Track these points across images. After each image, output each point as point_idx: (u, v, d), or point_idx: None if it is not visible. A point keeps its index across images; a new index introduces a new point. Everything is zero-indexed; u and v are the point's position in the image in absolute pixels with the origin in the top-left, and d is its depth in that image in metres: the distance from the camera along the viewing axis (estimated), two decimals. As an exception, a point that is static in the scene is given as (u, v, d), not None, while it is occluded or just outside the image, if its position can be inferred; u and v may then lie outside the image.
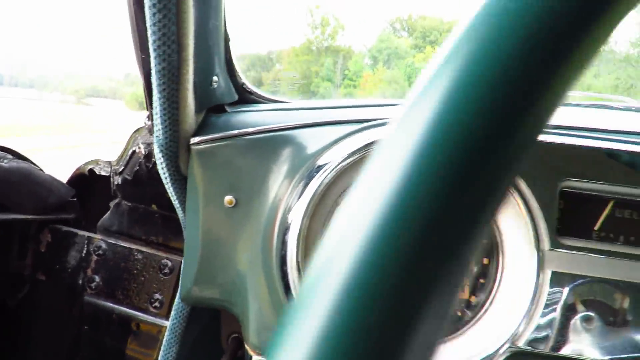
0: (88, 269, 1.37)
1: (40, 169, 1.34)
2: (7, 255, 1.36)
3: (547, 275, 0.85)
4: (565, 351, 0.86)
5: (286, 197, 0.93)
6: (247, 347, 1.01)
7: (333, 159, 0.90)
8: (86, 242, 1.37)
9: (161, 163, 0.99)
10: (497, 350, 0.85)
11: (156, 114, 0.90)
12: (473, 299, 0.92)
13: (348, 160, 0.89)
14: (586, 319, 0.86)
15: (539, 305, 0.85)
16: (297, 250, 0.88)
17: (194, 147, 0.97)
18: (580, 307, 0.85)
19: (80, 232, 1.38)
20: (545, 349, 0.86)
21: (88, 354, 1.41)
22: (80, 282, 1.38)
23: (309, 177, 0.90)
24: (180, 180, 1.04)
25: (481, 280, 0.92)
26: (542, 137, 0.73)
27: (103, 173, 1.34)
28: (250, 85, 1.13)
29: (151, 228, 1.33)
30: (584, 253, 0.87)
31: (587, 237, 0.90)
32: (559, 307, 0.85)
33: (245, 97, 1.13)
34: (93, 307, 1.39)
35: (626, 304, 0.86)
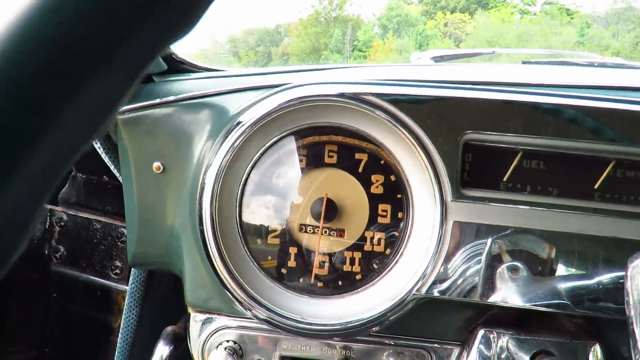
0: (52, 240, 1.44)
1: None
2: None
3: (450, 225, 0.88)
4: (468, 296, 0.89)
5: (207, 160, 0.96)
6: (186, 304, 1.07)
7: (247, 118, 0.92)
8: (48, 214, 1.44)
9: (91, 133, 1.03)
10: (402, 298, 0.89)
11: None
12: (388, 252, 0.95)
13: (261, 117, 0.91)
14: (494, 267, 0.89)
15: (441, 255, 0.88)
16: (211, 210, 0.92)
17: (118, 117, 1.00)
18: (484, 255, 0.88)
19: (43, 205, 1.44)
20: (449, 295, 0.89)
21: (58, 320, 1.50)
22: (46, 252, 1.45)
23: (225, 136, 0.93)
24: (114, 149, 1.08)
25: (395, 234, 0.95)
26: (443, 92, 0.76)
27: (57, 147, 1.39)
28: (180, 55, 1.15)
29: (106, 199, 1.38)
30: (491, 203, 0.89)
31: (494, 188, 0.92)
32: (460, 255, 0.88)
33: (176, 67, 1.15)
34: (60, 276, 1.46)
35: (527, 249, 0.88)
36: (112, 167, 1.12)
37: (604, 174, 0.90)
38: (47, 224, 1.44)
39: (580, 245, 0.87)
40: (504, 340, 0.94)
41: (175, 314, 1.39)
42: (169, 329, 1.23)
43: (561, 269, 0.89)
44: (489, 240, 0.88)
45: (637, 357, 0.62)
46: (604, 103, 0.88)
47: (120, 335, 1.33)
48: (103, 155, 1.08)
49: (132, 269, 1.31)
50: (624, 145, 0.88)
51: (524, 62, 1.65)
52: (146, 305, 1.37)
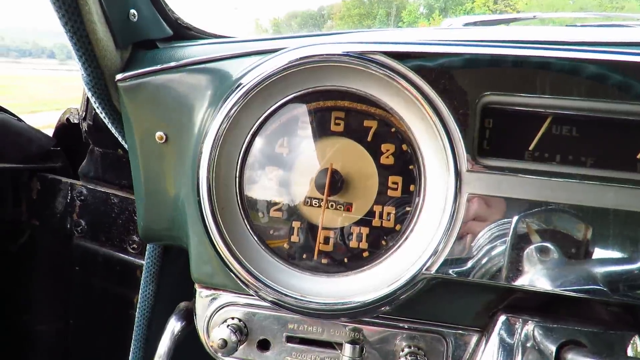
0: (74, 214, 1.46)
1: (19, 119, 1.41)
2: (3, 203, 1.47)
3: (464, 198, 0.79)
4: (486, 278, 0.80)
5: (207, 127, 0.91)
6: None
7: (247, 80, 0.86)
8: (69, 188, 1.45)
9: (94, 102, 1.01)
10: (411, 278, 0.81)
11: (73, 51, 0.90)
12: (398, 227, 0.87)
13: (261, 80, 0.85)
14: (517, 246, 0.79)
15: (454, 231, 0.79)
16: (208, 180, 0.87)
17: (120, 84, 0.97)
18: (505, 232, 0.79)
19: (64, 179, 1.45)
20: (464, 276, 0.81)
21: (80, 293, 1.52)
22: (68, 226, 1.47)
23: (224, 101, 0.87)
24: (120, 120, 1.05)
25: (407, 208, 0.87)
26: (458, 49, 0.66)
27: (75, 121, 1.39)
28: (186, 21, 1.10)
29: (121, 172, 1.37)
30: (513, 174, 0.79)
31: (518, 158, 0.81)
32: (477, 232, 0.79)
33: (183, 33, 1.10)
34: (82, 250, 1.48)
35: (556, 227, 0.78)
36: (119, 138, 1.09)
37: None
38: (69, 198, 1.45)
39: (618, 222, 0.76)
40: (527, 328, 0.85)
41: (192, 290, 1.38)
42: (182, 304, 1.22)
43: (596, 250, 0.79)
44: (512, 216, 0.79)
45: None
46: (651, 58, 0.75)
47: (137, 310, 1.33)
48: (109, 125, 1.05)
49: (147, 244, 1.30)
50: None
51: (567, 26, 1.50)
52: (163, 281, 1.36)
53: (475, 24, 1.57)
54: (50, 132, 1.55)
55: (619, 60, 0.75)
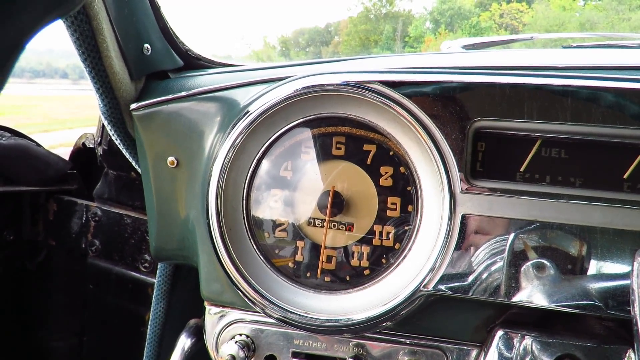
0: (89, 234, 1.52)
1: (38, 144, 1.48)
2: (21, 223, 1.54)
3: (458, 218, 0.83)
4: (482, 295, 0.84)
5: (215, 152, 0.97)
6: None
7: (253, 109, 0.92)
8: (85, 209, 1.51)
9: (110, 129, 1.07)
10: (410, 294, 0.85)
11: (91, 83, 0.97)
12: (397, 246, 0.92)
13: (265, 109, 0.91)
14: (512, 264, 0.83)
15: (449, 250, 0.83)
16: (217, 203, 0.92)
17: (134, 113, 1.03)
18: (499, 250, 0.83)
19: (80, 201, 1.52)
20: (461, 292, 0.84)
21: (93, 310, 1.57)
22: (83, 245, 1.53)
23: (231, 129, 0.93)
24: (133, 145, 1.11)
25: (406, 227, 0.91)
26: (450, 78, 0.72)
27: (91, 145, 1.46)
28: (196, 51, 1.17)
29: (134, 194, 1.43)
30: (505, 195, 0.83)
31: (510, 179, 0.86)
32: (472, 250, 0.83)
33: (192, 63, 1.17)
34: (95, 269, 1.54)
35: (548, 245, 0.82)
36: (132, 162, 1.15)
37: (635, 163, 0.81)
38: (84, 219, 1.51)
39: (606, 240, 0.80)
40: (525, 342, 0.88)
41: (202, 307, 1.42)
42: (192, 321, 1.26)
43: (589, 267, 0.82)
44: (506, 235, 0.83)
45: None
46: (635, 84, 0.79)
47: (149, 327, 1.38)
48: (123, 151, 1.12)
49: (159, 262, 1.35)
50: None
51: (564, 47, 1.55)
52: (174, 298, 1.40)
53: (473, 45, 1.63)
54: (63, 150, 1.62)
55: (604, 86, 0.80)
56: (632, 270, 0.62)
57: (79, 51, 0.90)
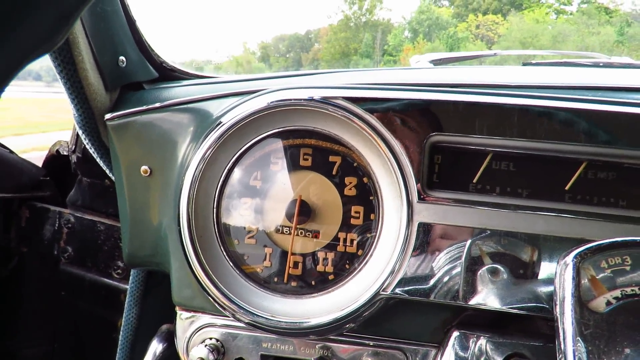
0: (61, 241, 1.52)
1: (11, 151, 1.49)
2: (-7, 230, 1.53)
3: (415, 226, 0.89)
4: (437, 298, 0.90)
5: (188, 162, 1.00)
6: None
7: (224, 121, 0.96)
8: (58, 216, 1.52)
9: (84, 138, 1.10)
10: (370, 297, 0.91)
11: (66, 93, 1.00)
12: (360, 252, 0.97)
13: (234, 123, 0.95)
14: (465, 268, 0.89)
15: (407, 256, 0.89)
16: (188, 211, 0.96)
17: (108, 123, 1.06)
18: (448, 255, 0.89)
19: (52, 208, 1.52)
20: (417, 295, 0.90)
21: (66, 317, 1.58)
22: (55, 252, 1.53)
23: (203, 140, 0.97)
24: (107, 154, 1.14)
25: (368, 235, 0.97)
26: (409, 95, 0.78)
27: (65, 153, 1.47)
28: (171, 63, 1.21)
29: (108, 201, 1.45)
30: (458, 205, 0.90)
31: (464, 190, 0.92)
32: (428, 256, 0.89)
33: (167, 75, 1.21)
34: (68, 275, 1.55)
35: (499, 251, 0.88)
36: (106, 171, 1.18)
37: (575, 175, 0.89)
38: (57, 225, 1.52)
39: (549, 247, 0.86)
40: (479, 342, 0.94)
41: (174, 313, 1.44)
42: (164, 327, 1.28)
43: (537, 272, 0.89)
44: (460, 242, 0.89)
45: (560, 357, 0.62)
46: (574, 103, 0.87)
47: (121, 333, 1.39)
48: (97, 159, 1.14)
49: (131, 269, 1.37)
50: (597, 146, 0.86)
51: (524, 64, 1.64)
52: (147, 305, 1.42)
53: (440, 61, 1.71)
54: (36, 154, 1.61)
55: (547, 106, 0.87)
56: (556, 273, 0.69)
57: (55, 63, 0.93)
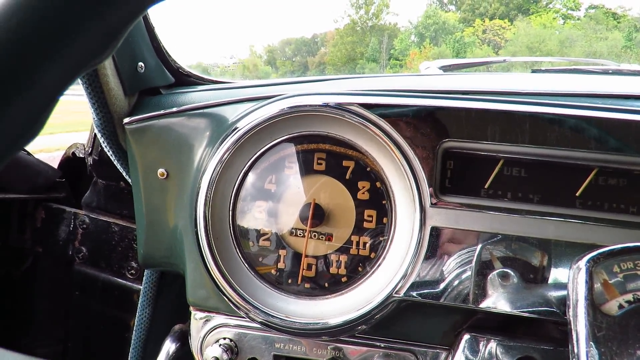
0: (76, 241, 1.55)
1: (28, 153, 1.52)
2: (8, 230, 1.56)
3: (428, 230, 0.91)
4: (449, 300, 0.91)
5: (204, 166, 1.03)
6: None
7: (240, 126, 0.99)
8: (73, 217, 1.55)
9: (103, 142, 1.12)
10: (383, 300, 0.92)
11: (87, 98, 1.02)
12: (372, 255, 0.99)
13: (251, 127, 0.97)
14: (480, 272, 0.91)
15: (419, 259, 0.91)
16: (205, 213, 0.98)
17: (127, 127, 1.09)
18: (459, 258, 0.90)
19: (68, 209, 1.55)
20: (429, 298, 0.92)
21: (79, 317, 1.60)
22: (70, 253, 1.56)
23: (220, 144, 0.99)
24: (125, 157, 1.17)
25: (381, 238, 0.99)
26: (422, 102, 0.80)
27: (81, 155, 1.50)
28: (187, 69, 1.23)
29: (123, 203, 1.48)
30: (470, 210, 0.91)
31: (475, 195, 0.94)
32: (440, 259, 0.91)
33: (183, 80, 1.23)
34: (82, 276, 1.57)
35: (510, 256, 0.90)
36: (123, 173, 1.20)
37: (586, 182, 0.90)
38: (72, 226, 1.55)
39: (559, 252, 0.88)
40: (489, 345, 0.96)
41: (186, 313, 1.46)
42: (177, 327, 1.30)
43: (546, 276, 0.90)
44: (472, 245, 0.91)
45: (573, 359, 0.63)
46: (585, 111, 0.88)
47: (134, 333, 1.41)
48: (115, 162, 1.17)
49: (145, 269, 1.40)
50: (607, 153, 0.88)
51: (533, 71, 1.65)
52: (160, 305, 1.45)
53: (450, 67, 1.72)
54: (43, 155, 1.65)
55: (560, 113, 0.88)
56: (569, 278, 0.70)
57: None
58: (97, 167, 1.44)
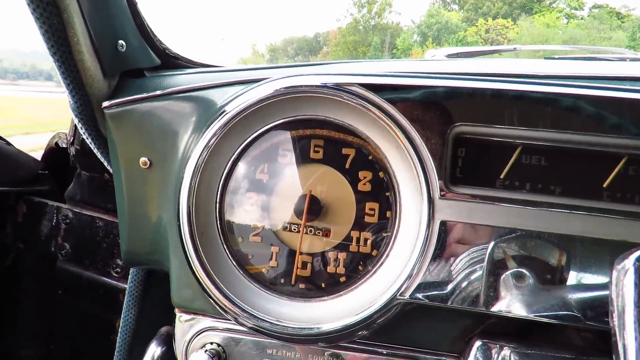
0: (59, 237, 1.46)
1: (8, 143, 1.43)
2: (-11, 225, 1.48)
3: (437, 225, 0.81)
4: (460, 304, 0.82)
5: (189, 154, 0.93)
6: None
7: (229, 109, 0.89)
8: (55, 211, 1.46)
9: (80, 128, 1.03)
10: (386, 303, 0.83)
11: (61, 78, 0.93)
12: (374, 253, 0.89)
13: (241, 110, 0.88)
14: (491, 273, 0.81)
15: (427, 257, 0.81)
16: (188, 206, 0.89)
17: (106, 111, 0.99)
18: (472, 257, 0.81)
19: (50, 202, 1.46)
20: (438, 301, 0.82)
21: (62, 317, 1.51)
22: (52, 249, 1.47)
23: (207, 127, 0.90)
24: (105, 144, 1.08)
25: (384, 234, 0.89)
26: (431, 82, 0.70)
27: (64, 145, 1.41)
28: (174, 50, 1.14)
29: (107, 196, 1.39)
30: (484, 202, 0.82)
31: (490, 186, 0.84)
32: (450, 258, 0.81)
33: (170, 62, 1.14)
34: (65, 273, 1.48)
35: (527, 254, 0.80)
36: (104, 162, 1.11)
37: (615, 171, 0.80)
38: (54, 221, 1.46)
39: (585, 249, 0.78)
40: (503, 353, 0.86)
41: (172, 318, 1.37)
42: (163, 329, 1.21)
43: (568, 277, 0.81)
44: (485, 242, 0.81)
45: (619, 375, 0.54)
46: (616, 92, 0.79)
47: (119, 334, 1.33)
48: (95, 150, 1.08)
49: (131, 267, 1.31)
50: (638, 139, 0.78)
51: (546, 58, 1.55)
52: (147, 305, 1.35)
53: (457, 55, 1.63)
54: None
55: (585, 94, 0.79)
56: (611, 280, 0.60)
57: (48, 44, 0.86)
58: (80, 158, 1.34)
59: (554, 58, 1.55)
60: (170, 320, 1.19)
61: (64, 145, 1.41)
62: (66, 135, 1.40)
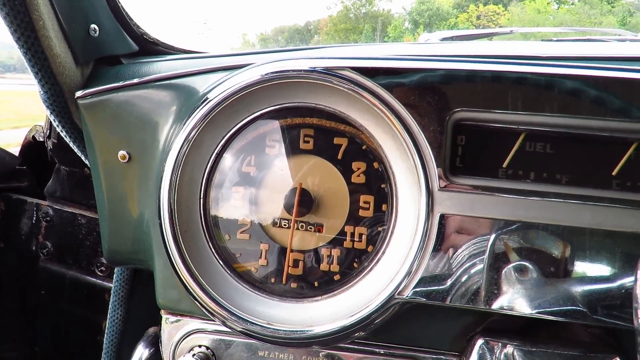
0: (40, 235, 1.39)
1: (-19, 138, 1.35)
2: (-35, 224, 1.40)
3: (436, 218, 0.76)
4: (461, 302, 0.77)
5: (170, 146, 0.87)
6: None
7: (211, 97, 0.83)
8: (35, 208, 1.39)
9: (53, 120, 0.96)
10: (383, 302, 0.78)
11: (28, 66, 0.86)
12: (370, 249, 0.84)
13: (223, 98, 0.82)
14: (493, 268, 0.76)
15: (426, 253, 0.76)
16: (169, 201, 0.83)
17: (80, 101, 0.93)
18: (474, 252, 0.76)
19: (29, 199, 1.39)
20: (438, 299, 0.77)
21: (46, 318, 1.45)
22: (34, 248, 1.40)
23: (188, 117, 0.83)
24: (82, 137, 1.01)
25: (380, 229, 0.84)
26: (428, 65, 0.63)
27: (41, 139, 1.34)
28: (153, 36, 1.07)
29: (88, 192, 1.32)
30: (487, 193, 0.76)
31: (492, 176, 0.79)
32: (450, 253, 0.76)
33: (149, 48, 1.07)
34: (48, 273, 1.42)
35: (532, 247, 0.75)
36: (81, 156, 1.05)
37: (624, 159, 0.75)
38: (34, 218, 1.39)
39: (595, 242, 0.73)
40: (507, 351, 0.82)
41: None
42: (151, 330, 1.16)
43: (574, 270, 0.76)
44: (487, 237, 0.76)
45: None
46: (624, 73, 0.73)
47: (105, 335, 1.27)
48: (70, 144, 1.01)
49: (114, 267, 1.25)
50: None
51: (544, 40, 1.50)
52: (135, 305, 1.30)
53: (452, 38, 1.57)
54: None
55: (593, 75, 0.73)
56: (636, 276, 0.56)
57: (11, 29, 0.79)
58: (58, 152, 1.27)
59: (551, 40, 1.50)
60: (159, 320, 1.14)
61: (41, 139, 1.34)
62: (43, 128, 1.33)
